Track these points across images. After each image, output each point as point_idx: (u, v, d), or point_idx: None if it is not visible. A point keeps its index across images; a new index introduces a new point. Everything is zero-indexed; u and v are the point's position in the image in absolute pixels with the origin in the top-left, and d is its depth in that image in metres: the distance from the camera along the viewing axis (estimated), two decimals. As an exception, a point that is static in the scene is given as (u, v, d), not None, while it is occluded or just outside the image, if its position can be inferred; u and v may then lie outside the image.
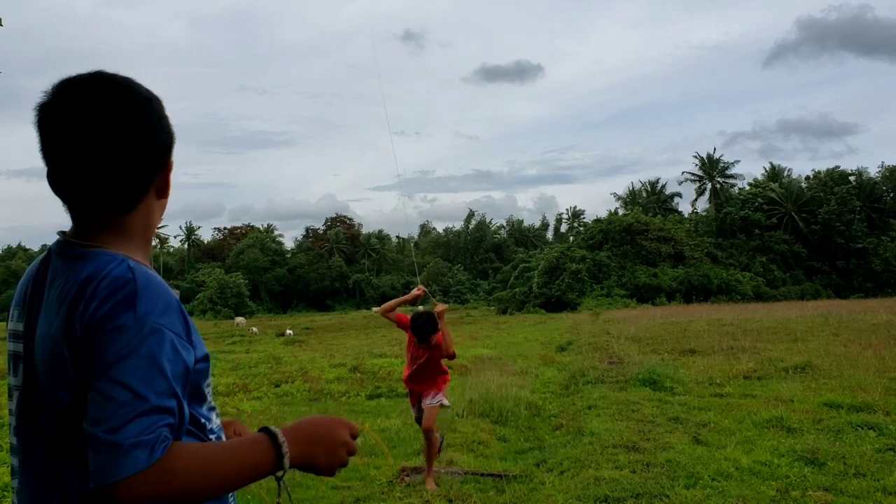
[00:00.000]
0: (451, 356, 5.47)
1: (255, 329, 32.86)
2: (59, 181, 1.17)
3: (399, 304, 5.74)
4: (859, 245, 57.92)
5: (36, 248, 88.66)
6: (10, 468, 1.26)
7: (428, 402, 5.41)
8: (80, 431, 1.04)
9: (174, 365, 1.06)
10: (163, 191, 1.26)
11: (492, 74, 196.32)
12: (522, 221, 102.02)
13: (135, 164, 1.17)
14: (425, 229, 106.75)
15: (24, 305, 1.22)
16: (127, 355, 1.02)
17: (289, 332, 27.81)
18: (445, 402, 5.52)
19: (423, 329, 5.32)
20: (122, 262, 1.13)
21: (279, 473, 1.16)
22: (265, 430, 1.15)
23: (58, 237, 1.23)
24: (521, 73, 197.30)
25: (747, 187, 68.10)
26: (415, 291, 5.68)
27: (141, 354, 1.03)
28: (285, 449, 1.13)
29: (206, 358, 1.20)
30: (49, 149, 1.16)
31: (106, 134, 1.14)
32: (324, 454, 1.21)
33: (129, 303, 1.06)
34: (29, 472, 1.16)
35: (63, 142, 1.14)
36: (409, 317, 5.54)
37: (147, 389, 1.01)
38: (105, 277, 1.09)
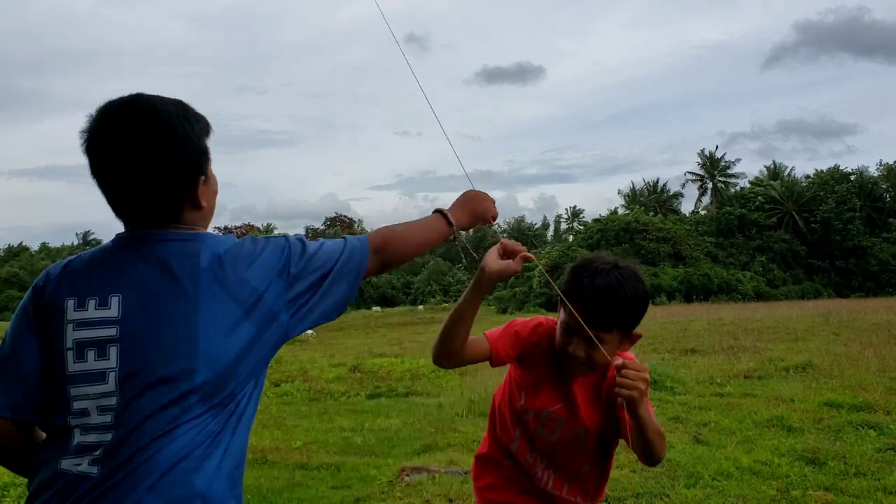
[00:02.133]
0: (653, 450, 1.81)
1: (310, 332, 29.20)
2: (110, 198, 1.34)
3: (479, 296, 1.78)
4: (856, 244, 57.88)
5: (35, 248, 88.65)
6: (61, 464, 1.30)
7: None
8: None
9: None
10: (206, 177, 1.40)
11: (493, 76, 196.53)
12: (523, 218, 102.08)
13: (174, 180, 1.32)
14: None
15: (120, 293, 1.30)
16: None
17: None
18: None
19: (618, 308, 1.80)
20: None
21: (451, 237, 1.68)
22: (437, 210, 1.69)
23: (139, 231, 1.35)
24: (522, 74, 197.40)
25: (748, 185, 68.11)
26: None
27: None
28: (451, 218, 1.67)
29: None
30: (97, 172, 1.32)
31: (146, 155, 1.28)
32: (480, 210, 1.75)
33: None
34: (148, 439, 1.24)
35: (108, 166, 1.30)
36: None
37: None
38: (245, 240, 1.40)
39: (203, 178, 1.38)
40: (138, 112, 1.31)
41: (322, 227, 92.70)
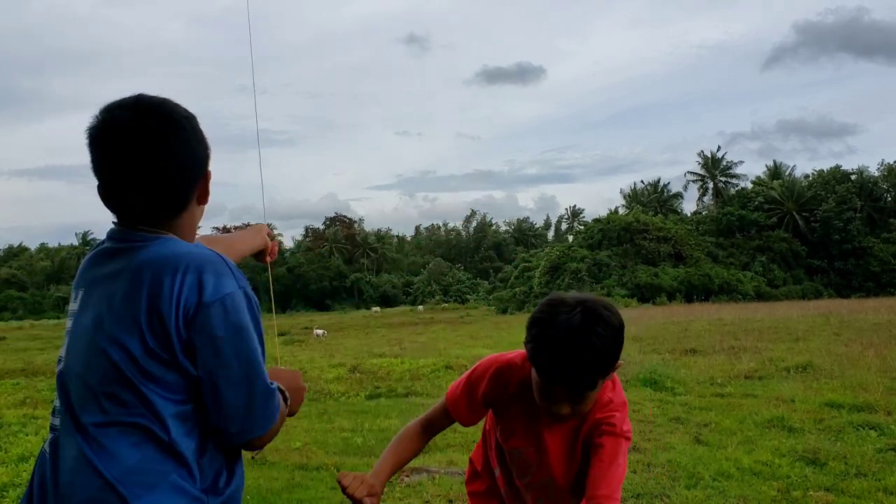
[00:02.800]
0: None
1: (319, 332, 25.40)
2: (112, 195, 1.34)
3: None
4: (858, 244, 57.87)
5: (33, 248, 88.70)
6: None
7: None
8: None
9: None
10: (203, 197, 1.43)
11: (493, 76, 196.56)
12: (527, 218, 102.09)
13: (179, 178, 1.34)
14: (424, 228, 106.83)
15: (83, 288, 1.36)
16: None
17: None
18: None
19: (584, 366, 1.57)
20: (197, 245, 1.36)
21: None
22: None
23: (118, 226, 1.37)
24: (522, 74, 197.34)
25: (750, 185, 68.13)
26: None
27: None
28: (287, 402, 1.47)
29: None
30: (102, 169, 1.32)
31: (153, 155, 1.30)
32: (298, 400, 1.55)
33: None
34: (72, 437, 1.27)
35: (112, 164, 1.31)
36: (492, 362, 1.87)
37: None
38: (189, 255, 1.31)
39: (200, 184, 1.39)
40: (150, 110, 1.33)
41: (322, 228, 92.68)
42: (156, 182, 1.31)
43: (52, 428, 1.34)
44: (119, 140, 1.29)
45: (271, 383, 1.35)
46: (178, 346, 1.24)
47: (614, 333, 1.55)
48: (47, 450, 1.33)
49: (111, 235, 1.37)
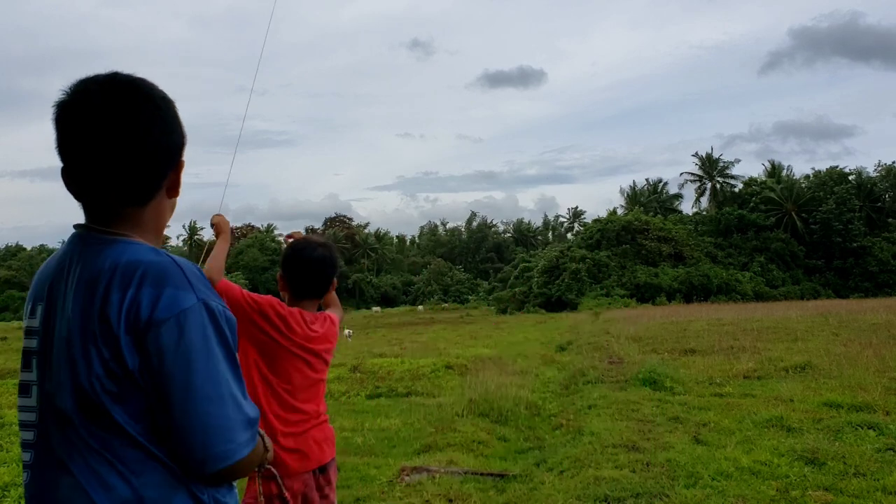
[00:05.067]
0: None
1: (348, 331, 24.51)
2: (76, 177, 1.21)
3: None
4: (857, 244, 57.88)
5: (30, 248, 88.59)
6: (19, 465, 1.29)
7: None
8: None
9: None
10: (173, 189, 1.31)
11: (495, 80, 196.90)
12: (529, 222, 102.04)
13: (149, 162, 1.22)
14: (427, 228, 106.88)
15: (44, 300, 1.24)
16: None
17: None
18: None
19: (323, 270, 2.55)
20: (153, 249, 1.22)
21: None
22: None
23: (76, 230, 1.26)
24: (524, 78, 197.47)
25: (748, 186, 68.06)
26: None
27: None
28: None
29: None
30: (66, 146, 1.20)
31: (122, 133, 1.18)
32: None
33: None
34: (56, 470, 1.17)
35: (81, 140, 1.18)
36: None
37: None
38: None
39: (172, 173, 1.28)
40: (124, 86, 1.22)
41: (321, 228, 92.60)
42: (123, 164, 1.18)
43: (26, 466, 1.23)
44: (86, 116, 1.17)
45: (243, 408, 1.19)
46: (133, 366, 1.12)
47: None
48: (30, 492, 1.22)
49: (72, 240, 1.26)
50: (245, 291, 2.33)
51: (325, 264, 2.54)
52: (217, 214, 2.57)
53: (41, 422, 1.20)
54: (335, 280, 2.63)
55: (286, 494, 2.12)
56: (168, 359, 1.11)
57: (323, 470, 2.62)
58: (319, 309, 2.63)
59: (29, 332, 1.25)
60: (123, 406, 1.13)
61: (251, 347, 2.31)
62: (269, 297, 2.37)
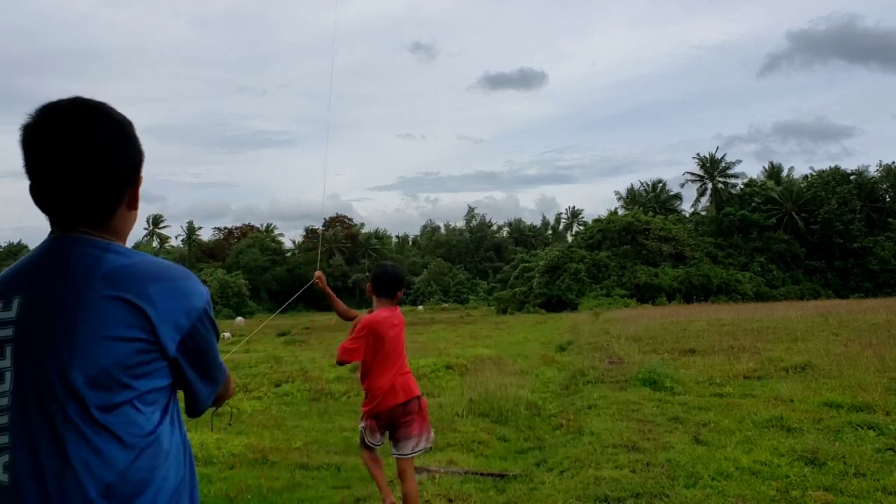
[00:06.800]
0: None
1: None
2: (42, 195, 1.36)
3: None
4: (857, 245, 57.88)
5: (32, 246, 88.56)
6: None
7: (420, 446, 4.36)
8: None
9: None
10: (133, 203, 1.44)
11: (496, 82, 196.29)
12: (531, 223, 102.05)
13: (109, 181, 1.35)
14: (428, 228, 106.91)
15: (21, 293, 1.33)
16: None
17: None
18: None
19: (391, 278, 4.23)
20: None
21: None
22: None
23: (52, 234, 1.38)
24: (524, 80, 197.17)
25: (748, 186, 68.08)
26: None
27: None
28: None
29: None
30: (33, 166, 1.33)
31: (83, 154, 1.31)
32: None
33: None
34: (38, 456, 1.25)
35: (46, 161, 1.32)
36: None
37: None
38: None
39: (131, 189, 1.41)
40: (85, 111, 1.34)
41: (321, 229, 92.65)
42: (87, 184, 1.32)
43: (3, 449, 1.29)
44: (52, 140, 1.30)
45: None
46: (166, 344, 1.33)
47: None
48: (13, 472, 1.28)
49: (57, 240, 1.36)
50: (368, 318, 4.02)
51: (391, 275, 4.16)
52: (317, 272, 4.58)
53: (18, 406, 1.28)
54: (402, 288, 4.21)
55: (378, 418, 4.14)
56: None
57: (406, 404, 4.15)
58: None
59: (2, 323, 1.32)
60: (139, 382, 1.29)
61: (372, 341, 3.98)
62: (369, 320, 4.02)
